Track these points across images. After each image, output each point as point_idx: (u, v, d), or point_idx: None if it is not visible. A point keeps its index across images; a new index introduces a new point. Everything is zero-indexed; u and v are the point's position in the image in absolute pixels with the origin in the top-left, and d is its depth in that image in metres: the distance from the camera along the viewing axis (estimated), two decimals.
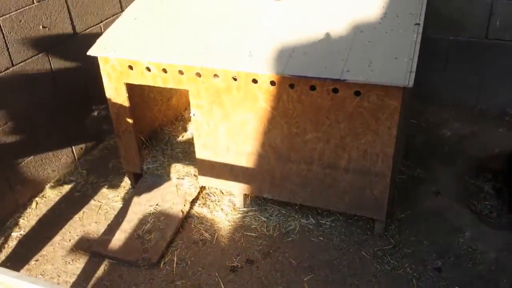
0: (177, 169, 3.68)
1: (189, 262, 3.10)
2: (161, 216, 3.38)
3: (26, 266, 3.12)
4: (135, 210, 3.44)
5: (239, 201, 3.47)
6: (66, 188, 3.80)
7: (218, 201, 3.55)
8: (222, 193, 3.61)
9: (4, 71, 3.29)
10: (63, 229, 3.41)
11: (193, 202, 3.52)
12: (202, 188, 3.62)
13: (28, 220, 3.50)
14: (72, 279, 3.02)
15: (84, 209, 3.59)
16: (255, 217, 3.40)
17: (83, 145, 4.14)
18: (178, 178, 3.62)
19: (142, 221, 3.35)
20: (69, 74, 3.83)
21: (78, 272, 3.07)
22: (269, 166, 3.18)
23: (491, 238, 3.15)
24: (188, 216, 3.44)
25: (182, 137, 4.09)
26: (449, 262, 3.01)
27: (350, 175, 3.00)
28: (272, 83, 2.87)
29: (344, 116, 2.82)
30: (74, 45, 3.81)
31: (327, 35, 2.94)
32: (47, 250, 3.25)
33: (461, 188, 3.57)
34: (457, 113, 4.41)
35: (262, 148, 3.13)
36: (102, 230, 3.34)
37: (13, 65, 3.34)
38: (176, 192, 3.54)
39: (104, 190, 3.76)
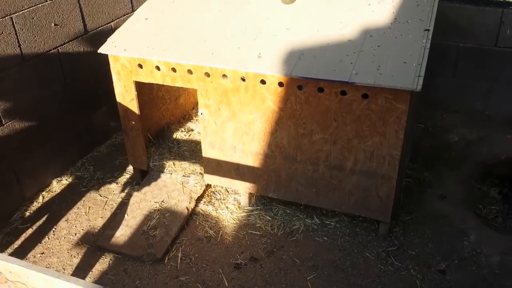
0: (183, 167, 3.70)
1: (193, 258, 3.12)
2: (167, 212, 3.40)
3: (32, 259, 3.15)
4: (141, 206, 3.47)
5: (244, 200, 3.49)
6: (73, 183, 3.83)
7: (223, 200, 3.57)
8: (228, 191, 3.64)
9: (15, 66, 3.33)
10: (69, 223, 3.44)
11: (198, 199, 3.54)
12: (208, 186, 3.64)
13: (35, 213, 3.54)
14: (77, 272, 3.04)
15: (90, 204, 3.62)
16: (260, 216, 3.42)
17: (90, 141, 4.18)
18: (184, 175, 3.65)
19: (148, 217, 3.37)
20: (78, 72, 3.87)
21: (83, 266, 3.10)
22: (275, 166, 3.20)
23: (496, 241, 3.15)
24: (193, 213, 3.46)
25: (189, 135, 4.12)
26: (454, 264, 3.02)
27: (356, 176, 3.01)
28: (280, 84, 2.89)
29: (351, 118, 2.84)
30: (85, 43, 3.85)
31: (337, 38, 2.96)
32: (53, 243, 3.28)
33: (467, 193, 3.58)
34: (465, 118, 4.41)
35: (269, 148, 3.15)
36: (108, 225, 3.37)
37: (24, 61, 3.38)
38: (181, 189, 3.57)
39: (111, 186, 3.79)
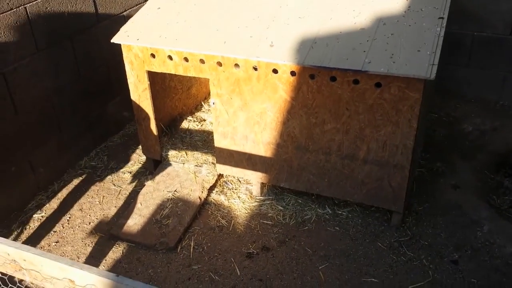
0: (196, 157, 3.72)
1: (205, 247, 3.15)
2: (179, 202, 3.43)
3: (47, 248, 3.20)
4: (153, 195, 3.50)
5: (256, 189, 3.50)
6: (87, 172, 3.87)
7: (235, 189, 3.59)
8: (240, 181, 3.64)
9: (29, 56, 3.35)
10: (83, 212, 3.48)
11: (210, 189, 3.56)
12: (220, 176, 3.65)
13: (49, 202, 3.58)
14: (91, 261, 3.08)
15: (104, 193, 3.65)
16: (271, 205, 3.42)
17: (104, 131, 4.21)
18: (196, 165, 3.67)
19: (161, 207, 3.40)
20: (91, 61, 3.89)
21: (97, 254, 3.14)
22: (287, 155, 3.19)
23: (509, 232, 3.12)
24: (205, 203, 3.48)
25: (201, 125, 4.13)
26: (466, 255, 3.00)
27: (368, 166, 3.00)
28: (293, 73, 2.88)
29: (364, 107, 2.82)
30: (98, 33, 3.87)
31: (349, 27, 2.93)
32: (67, 232, 3.32)
33: (481, 183, 3.55)
34: (479, 108, 4.37)
35: (281, 138, 3.15)
36: (121, 214, 3.40)
37: (38, 51, 3.41)
38: (194, 179, 3.58)
39: (124, 176, 3.82)
